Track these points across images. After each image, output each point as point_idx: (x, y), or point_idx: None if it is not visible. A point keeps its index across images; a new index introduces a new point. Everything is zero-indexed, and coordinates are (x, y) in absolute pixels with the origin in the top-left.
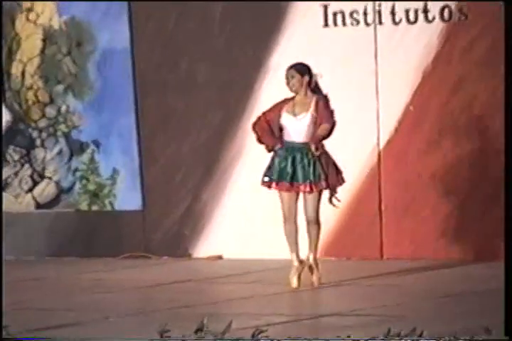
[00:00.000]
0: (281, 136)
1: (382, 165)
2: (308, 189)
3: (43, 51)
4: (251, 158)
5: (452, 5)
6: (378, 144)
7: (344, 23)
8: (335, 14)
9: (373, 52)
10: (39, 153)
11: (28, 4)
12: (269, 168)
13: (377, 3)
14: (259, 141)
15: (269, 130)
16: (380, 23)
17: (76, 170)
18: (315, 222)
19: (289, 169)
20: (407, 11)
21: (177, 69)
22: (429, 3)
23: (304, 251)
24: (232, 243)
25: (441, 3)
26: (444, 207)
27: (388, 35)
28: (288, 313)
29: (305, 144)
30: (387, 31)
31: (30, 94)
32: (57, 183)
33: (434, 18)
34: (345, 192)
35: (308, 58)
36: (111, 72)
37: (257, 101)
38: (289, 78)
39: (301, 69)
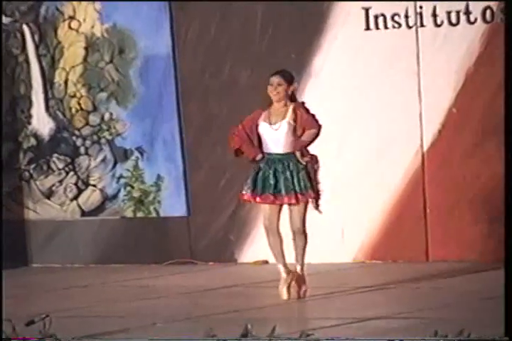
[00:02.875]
0: (260, 146)
1: (426, 167)
2: (293, 201)
3: (85, 59)
4: None
5: (494, 6)
6: (422, 146)
7: (386, 26)
8: (376, 17)
9: (415, 54)
10: (83, 161)
11: (70, 12)
12: (251, 180)
13: (418, 5)
14: (238, 152)
15: (248, 140)
16: (422, 25)
17: (120, 177)
18: (301, 233)
19: (272, 181)
20: (448, 13)
21: (219, 75)
22: (471, 5)
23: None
24: None
25: (483, 5)
26: (488, 209)
27: (430, 38)
28: (334, 317)
29: (285, 155)
30: (429, 34)
31: (73, 102)
32: (101, 191)
33: (476, 20)
34: (389, 195)
35: (350, 62)
36: (153, 78)
37: None
38: (274, 85)
39: (288, 78)
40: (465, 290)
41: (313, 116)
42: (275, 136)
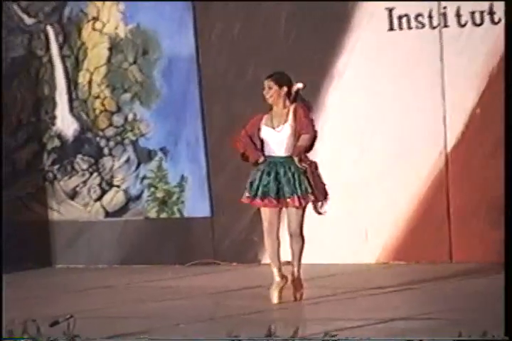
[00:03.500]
0: (262, 150)
1: (449, 168)
2: (297, 203)
3: (109, 60)
4: (318, 162)
5: None
6: (445, 148)
7: (409, 27)
8: (400, 18)
9: (439, 55)
10: (107, 162)
11: (94, 13)
12: (252, 184)
13: (442, 5)
14: (243, 156)
15: (251, 144)
16: (446, 25)
17: (144, 177)
18: (298, 236)
19: (274, 184)
20: (472, 13)
21: (243, 75)
22: (495, 5)
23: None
24: None
25: None
26: None
27: (454, 38)
28: (357, 317)
29: (287, 158)
30: (452, 34)
31: (97, 103)
32: (125, 191)
33: (500, 20)
34: (413, 196)
35: (373, 62)
36: (177, 79)
37: (323, 106)
38: (266, 89)
39: (280, 80)
40: (488, 291)
41: (310, 120)
42: (278, 138)
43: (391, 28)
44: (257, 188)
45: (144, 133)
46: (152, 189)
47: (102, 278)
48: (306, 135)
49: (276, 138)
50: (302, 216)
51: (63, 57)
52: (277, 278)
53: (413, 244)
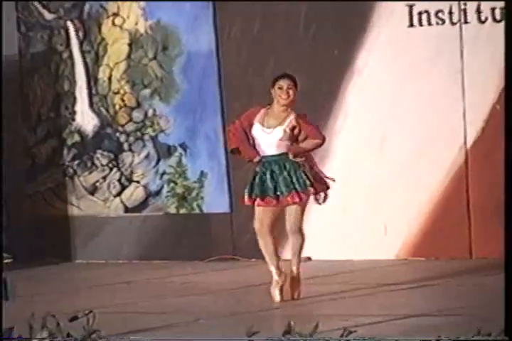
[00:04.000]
0: (255, 147)
1: (469, 164)
2: (296, 199)
3: (129, 56)
4: (338, 159)
5: None
6: (465, 144)
7: (429, 23)
8: (420, 14)
9: (459, 51)
10: (127, 157)
11: (114, 9)
12: (251, 184)
13: (462, 2)
14: (235, 150)
15: (246, 140)
16: (466, 22)
17: (164, 173)
18: (297, 233)
19: (271, 183)
20: (492, 9)
21: (263, 71)
22: None
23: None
24: (321, 244)
25: None
26: None
27: (474, 34)
28: (377, 314)
29: (280, 155)
30: (473, 30)
31: (117, 99)
32: (145, 187)
33: None
34: (433, 192)
35: (393, 59)
36: (196, 75)
37: (343, 102)
38: (284, 88)
39: (296, 83)
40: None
41: (316, 127)
42: (268, 139)
43: (411, 25)
44: (256, 189)
45: (164, 128)
46: (172, 184)
47: (122, 274)
48: (318, 140)
49: (266, 139)
50: (302, 213)
51: (83, 53)
52: (276, 277)
53: (433, 240)
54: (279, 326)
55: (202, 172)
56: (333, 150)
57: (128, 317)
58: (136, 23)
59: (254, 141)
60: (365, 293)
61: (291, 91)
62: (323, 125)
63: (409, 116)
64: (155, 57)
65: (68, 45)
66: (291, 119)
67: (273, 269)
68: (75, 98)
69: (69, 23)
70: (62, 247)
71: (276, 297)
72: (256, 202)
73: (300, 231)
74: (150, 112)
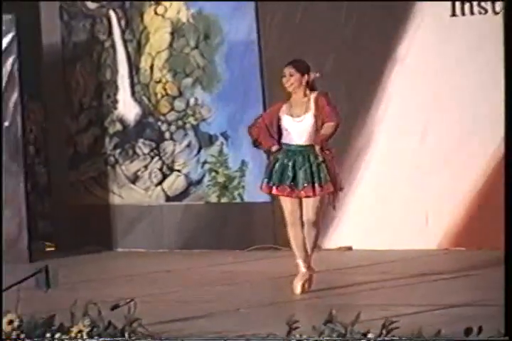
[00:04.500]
0: (278, 138)
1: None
2: (310, 193)
3: (171, 44)
4: (380, 148)
5: None
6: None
7: (472, 12)
8: (463, 3)
9: (501, 40)
10: (168, 146)
11: None
12: (270, 171)
13: None
14: (256, 142)
15: (266, 131)
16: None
17: (205, 162)
18: (314, 225)
19: (290, 173)
20: None
21: (304, 60)
22: None
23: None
24: (362, 234)
25: None
26: None
27: None
28: (417, 303)
29: (307, 147)
30: None
31: (158, 88)
32: (186, 176)
33: None
34: (473, 182)
35: (435, 48)
36: (238, 64)
37: (385, 91)
38: (287, 76)
39: (301, 67)
40: None
41: (334, 108)
42: (300, 128)
43: (453, 14)
44: (274, 176)
45: (205, 117)
46: (213, 174)
47: (163, 263)
48: (330, 123)
49: (298, 128)
50: (319, 205)
51: (125, 42)
52: (303, 269)
53: (474, 230)
54: (320, 315)
55: (243, 161)
56: (375, 139)
57: (169, 306)
58: (178, 12)
59: (281, 133)
60: (406, 283)
61: (292, 78)
62: (365, 114)
63: (451, 106)
64: (197, 46)
65: (110, 33)
66: (312, 102)
67: (300, 262)
68: (116, 87)
69: (111, 12)
70: (103, 236)
71: (298, 289)
72: (272, 190)
73: (316, 225)
74: (192, 101)
